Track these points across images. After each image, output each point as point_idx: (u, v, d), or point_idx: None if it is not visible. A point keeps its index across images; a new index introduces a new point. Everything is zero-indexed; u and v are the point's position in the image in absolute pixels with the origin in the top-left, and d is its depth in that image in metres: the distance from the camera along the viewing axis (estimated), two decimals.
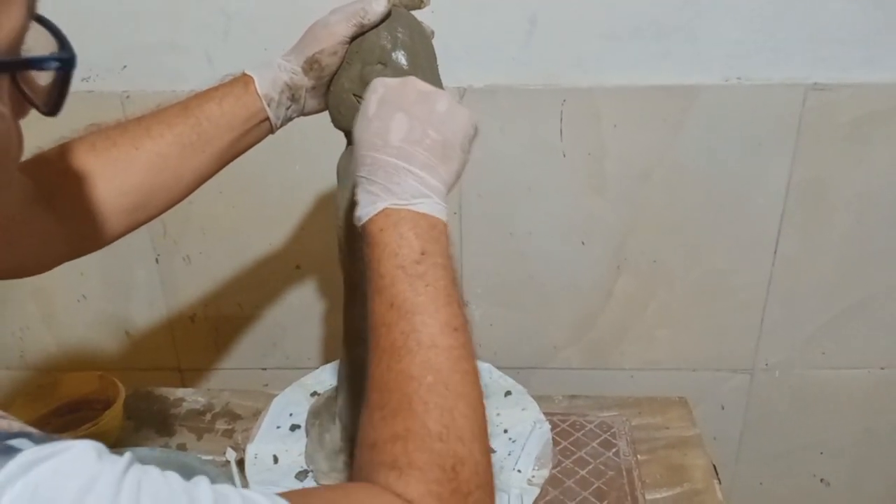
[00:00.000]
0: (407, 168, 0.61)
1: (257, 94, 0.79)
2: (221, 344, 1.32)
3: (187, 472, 0.88)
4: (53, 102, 0.45)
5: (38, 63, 0.44)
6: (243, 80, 0.80)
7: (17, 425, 0.39)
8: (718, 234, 1.20)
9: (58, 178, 0.73)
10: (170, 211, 1.19)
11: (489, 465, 0.57)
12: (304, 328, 1.31)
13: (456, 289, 0.60)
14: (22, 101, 0.44)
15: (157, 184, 0.77)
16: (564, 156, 1.16)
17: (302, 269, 1.26)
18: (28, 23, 0.42)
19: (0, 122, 0.42)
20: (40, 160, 0.73)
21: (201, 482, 0.43)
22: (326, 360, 1.27)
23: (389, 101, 0.65)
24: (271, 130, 0.82)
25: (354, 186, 0.64)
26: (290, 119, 0.83)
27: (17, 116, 0.44)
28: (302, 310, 1.29)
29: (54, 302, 1.31)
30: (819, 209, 1.18)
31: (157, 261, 1.26)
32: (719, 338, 1.28)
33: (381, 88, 0.66)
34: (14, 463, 0.36)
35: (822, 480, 1.40)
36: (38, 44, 0.44)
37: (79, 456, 0.38)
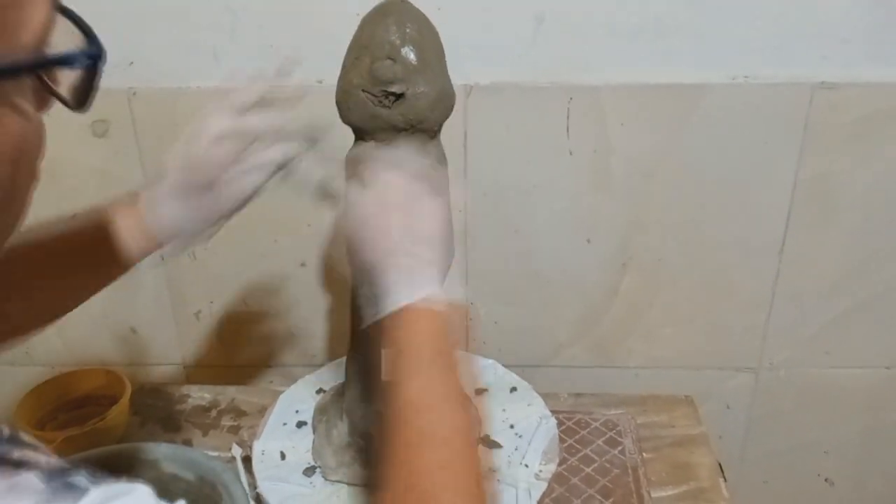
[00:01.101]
0: (418, 267, 0.64)
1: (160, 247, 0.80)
2: (227, 341, 1.33)
3: (195, 469, 0.89)
4: (82, 98, 0.45)
5: (66, 61, 0.43)
6: (149, 243, 0.79)
7: (54, 459, 0.39)
8: (724, 232, 1.20)
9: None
10: None
11: None
12: (310, 325, 1.31)
13: (462, 387, 0.62)
14: (46, 96, 0.44)
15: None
16: (570, 153, 1.16)
17: (308, 266, 1.26)
18: (54, 16, 0.41)
19: (24, 121, 0.41)
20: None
21: None
22: (332, 357, 1.27)
23: (383, 201, 0.67)
24: None
25: (359, 284, 0.66)
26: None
27: (40, 110, 0.44)
28: (307, 307, 1.29)
29: None
30: (825, 208, 1.18)
31: (162, 258, 1.26)
32: (724, 336, 1.28)
33: (371, 194, 0.68)
34: (93, 496, 0.37)
35: (826, 479, 1.39)
36: (63, 37, 0.43)
37: (142, 498, 0.39)
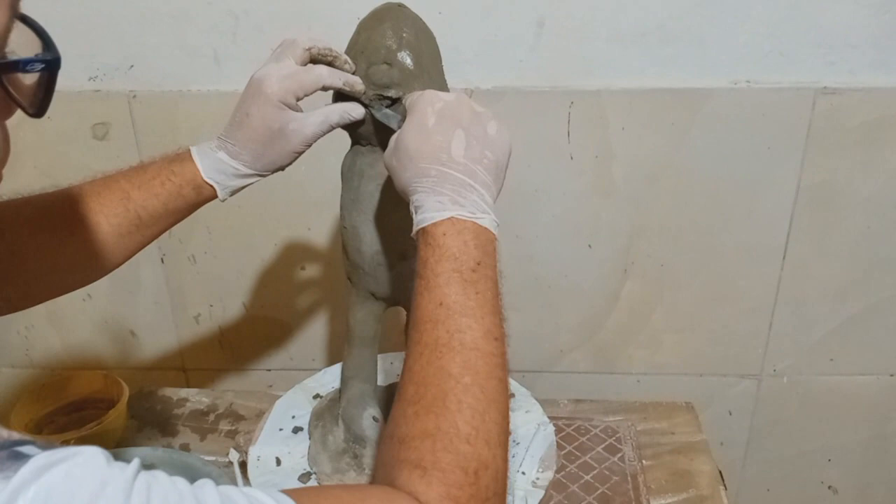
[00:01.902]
0: (472, 184, 0.64)
1: (211, 196, 0.80)
2: (226, 344, 1.32)
3: (190, 473, 0.88)
4: (39, 103, 0.45)
5: (23, 65, 0.43)
6: (194, 182, 0.79)
7: (16, 434, 0.39)
8: (726, 238, 1.19)
9: (62, 211, 0.76)
10: None
11: (507, 473, 0.57)
12: (309, 329, 1.30)
13: (500, 302, 0.63)
14: (7, 102, 0.44)
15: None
16: (572, 158, 1.15)
17: (306, 270, 1.26)
18: (11, 24, 0.42)
19: None
20: (45, 196, 0.77)
21: (207, 485, 0.43)
22: (330, 362, 1.27)
23: (447, 117, 0.66)
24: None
25: (407, 191, 0.66)
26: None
27: (2, 118, 0.44)
28: (306, 311, 1.29)
29: (60, 301, 1.29)
30: (828, 214, 1.17)
31: (162, 261, 1.26)
32: (727, 343, 1.27)
33: (439, 103, 0.67)
34: (27, 468, 0.36)
35: (829, 487, 1.39)
36: (22, 44, 0.44)
37: (89, 460, 0.39)
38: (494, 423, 0.57)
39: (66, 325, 1.33)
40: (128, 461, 0.41)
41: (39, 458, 0.37)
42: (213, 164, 0.78)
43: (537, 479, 0.95)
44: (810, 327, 1.25)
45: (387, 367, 1.07)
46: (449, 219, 0.63)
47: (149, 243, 0.82)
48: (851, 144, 1.13)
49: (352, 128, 0.81)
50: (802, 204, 1.16)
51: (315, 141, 0.79)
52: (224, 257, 1.25)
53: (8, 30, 0.41)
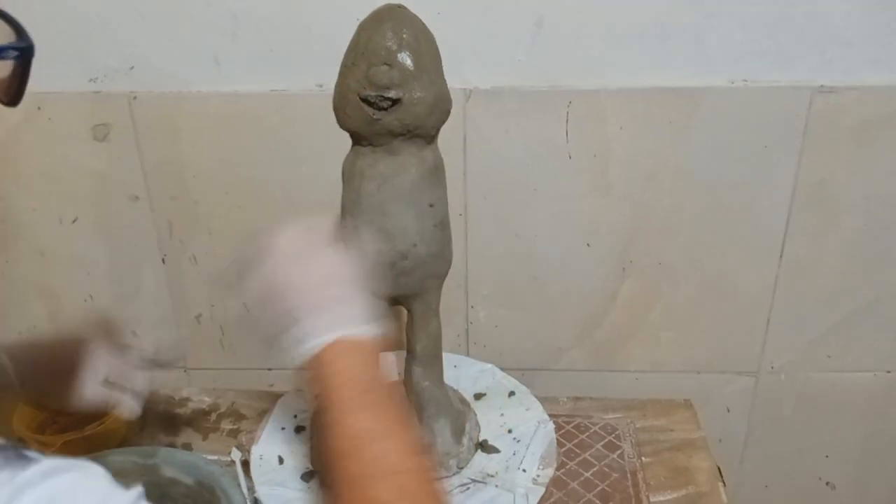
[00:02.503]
0: (332, 306, 0.63)
1: None
2: (227, 344, 1.33)
3: (193, 472, 0.89)
4: (14, 93, 0.45)
5: None
6: None
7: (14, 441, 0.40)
8: (724, 236, 1.20)
9: None
10: (177, 212, 1.22)
11: None
12: None
13: (404, 414, 0.61)
14: None
15: None
16: (570, 157, 1.16)
17: None
18: None
19: None
20: None
21: None
22: None
23: (282, 255, 0.66)
24: None
25: (278, 336, 0.65)
26: None
27: None
28: None
29: (61, 302, 1.31)
30: (825, 212, 1.18)
31: (163, 261, 1.27)
32: (725, 340, 1.28)
33: (278, 246, 0.67)
34: (36, 468, 0.37)
35: (827, 483, 1.39)
36: None
37: (95, 475, 0.40)
38: None
39: (68, 326, 1.32)
40: (128, 483, 0.41)
41: (49, 462, 0.38)
42: None
43: (538, 476, 0.96)
44: (808, 325, 1.26)
45: (388, 365, 1.07)
46: (327, 346, 0.61)
47: None
48: (848, 143, 1.13)
49: (350, 125, 0.82)
50: (799, 202, 1.17)
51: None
52: (225, 257, 1.26)
53: None
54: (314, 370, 0.62)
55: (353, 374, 0.60)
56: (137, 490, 0.41)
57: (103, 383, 0.83)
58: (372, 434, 0.58)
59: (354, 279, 0.66)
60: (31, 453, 0.38)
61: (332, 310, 0.63)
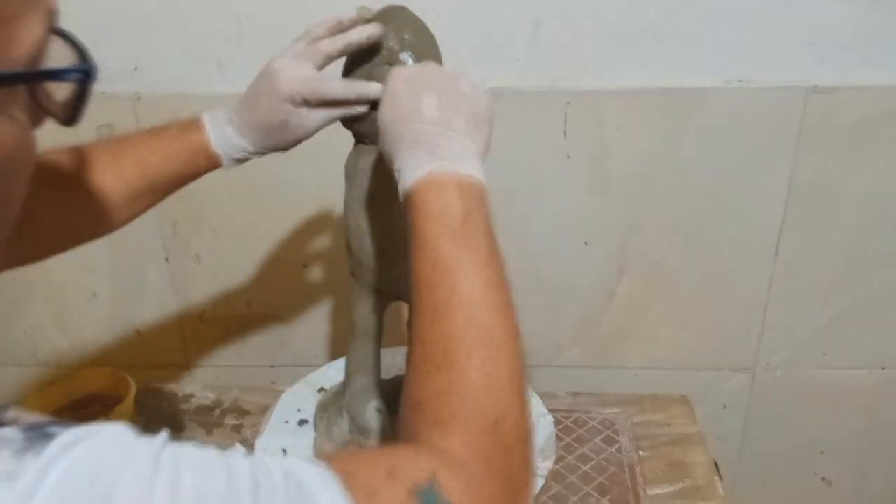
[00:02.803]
0: (447, 133, 0.64)
1: (220, 164, 0.83)
2: (230, 342, 1.34)
3: None
4: (72, 113, 0.47)
5: (58, 74, 0.45)
6: (206, 153, 0.82)
7: (46, 418, 0.40)
8: (720, 235, 1.21)
9: (79, 171, 0.78)
10: (180, 211, 1.23)
11: (529, 418, 0.57)
12: (312, 326, 1.32)
13: (497, 249, 0.62)
14: (39, 112, 0.46)
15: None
16: (568, 157, 1.17)
17: (309, 267, 1.28)
18: (48, 36, 0.43)
19: (19, 131, 0.43)
20: (60, 155, 0.78)
21: (236, 453, 0.43)
22: (333, 358, 1.28)
23: (415, 83, 0.67)
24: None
25: (391, 161, 0.66)
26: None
27: (33, 125, 0.45)
28: (309, 308, 1.31)
29: (66, 301, 1.33)
30: (820, 211, 1.19)
31: (167, 260, 1.28)
32: (721, 337, 1.29)
33: (406, 72, 0.69)
34: (56, 443, 0.37)
35: (823, 479, 1.41)
36: (58, 56, 0.45)
37: (116, 434, 0.40)
38: (507, 371, 0.56)
39: (73, 324, 1.34)
40: None
41: (68, 435, 0.38)
42: (221, 135, 0.81)
43: (537, 468, 0.97)
44: (803, 322, 1.27)
45: (389, 362, 1.09)
46: (428, 176, 0.62)
47: (156, 204, 0.85)
48: (843, 142, 1.15)
49: (353, 123, 0.83)
50: (795, 201, 1.18)
51: (316, 132, 0.81)
52: (228, 256, 1.27)
53: (44, 42, 0.43)
54: (408, 204, 0.62)
55: (442, 208, 0.60)
56: (162, 437, 0.41)
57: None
58: (452, 265, 0.58)
59: (476, 118, 0.67)
60: (54, 428, 0.38)
61: (438, 142, 0.63)
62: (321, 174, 1.18)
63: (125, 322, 1.34)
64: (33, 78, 0.44)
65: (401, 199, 0.64)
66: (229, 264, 1.28)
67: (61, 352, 1.36)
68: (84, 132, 1.19)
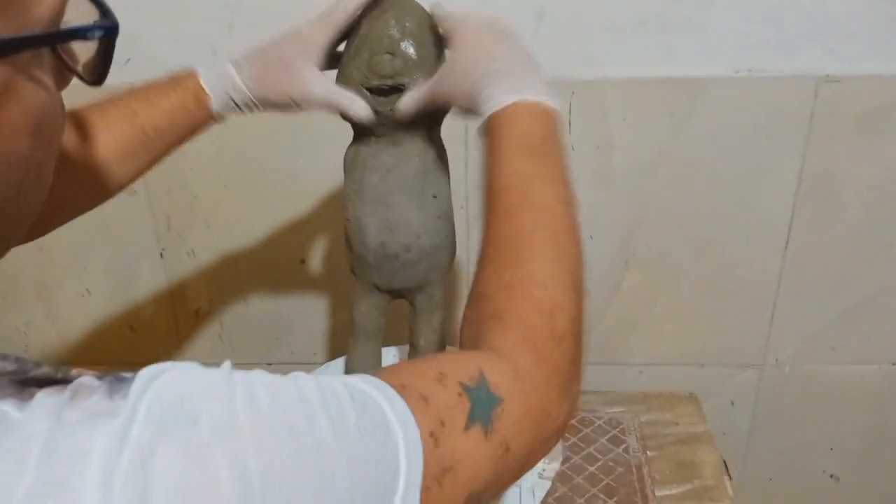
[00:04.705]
0: (529, 71, 0.70)
1: (211, 110, 0.81)
2: (226, 338, 1.32)
3: None
4: (99, 71, 0.46)
5: (82, 33, 0.43)
6: (196, 94, 0.80)
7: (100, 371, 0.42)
8: (728, 228, 1.19)
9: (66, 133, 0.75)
10: (175, 205, 1.21)
11: (584, 318, 0.60)
12: (309, 323, 1.30)
13: (568, 170, 0.67)
14: (64, 72, 0.45)
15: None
16: (573, 149, 1.14)
17: (307, 263, 1.25)
18: None
19: (45, 94, 0.42)
20: None
21: (300, 375, 0.44)
22: (332, 355, 1.26)
23: (483, 34, 0.73)
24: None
25: (475, 94, 0.69)
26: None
27: (59, 87, 0.44)
28: (307, 304, 1.29)
29: (58, 297, 1.30)
30: (830, 203, 1.17)
31: (161, 255, 1.26)
32: (728, 333, 1.27)
33: (471, 25, 0.74)
34: (139, 381, 0.39)
35: (831, 476, 1.39)
36: (78, 14, 0.44)
37: (185, 366, 0.41)
38: (567, 272, 0.59)
39: (65, 321, 1.32)
40: None
41: (145, 373, 0.39)
42: (214, 75, 0.81)
43: (543, 470, 0.95)
44: (812, 317, 1.25)
45: (390, 361, 1.07)
46: (513, 104, 0.66)
47: (153, 164, 0.82)
48: (853, 132, 1.12)
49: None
50: (804, 193, 1.16)
51: (310, 107, 0.79)
52: (223, 251, 1.25)
53: (64, 1, 0.42)
54: (492, 124, 0.67)
55: (525, 129, 0.66)
56: (226, 364, 0.42)
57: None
58: (528, 175, 0.63)
59: (529, 58, 0.72)
60: (124, 373, 0.40)
61: (523, 80, 0.68)
62: (320, 167, 1.15)
63: (118, 319, 1.31)
64: (57, 38, 0.43)
65: (479, 129, 0.69)
66: (225, 259, 1.25)
67: (53, 349, 1.33)
68: None
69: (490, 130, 0.67)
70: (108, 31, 0.44)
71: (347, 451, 0.41)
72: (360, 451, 0.41)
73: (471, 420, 0.48)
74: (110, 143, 0.77)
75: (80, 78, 0.46)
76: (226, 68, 0.81)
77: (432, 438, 0.45)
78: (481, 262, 0.62)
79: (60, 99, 0.45)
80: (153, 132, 0.79)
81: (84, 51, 0.45)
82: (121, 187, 0.81)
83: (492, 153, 0.66)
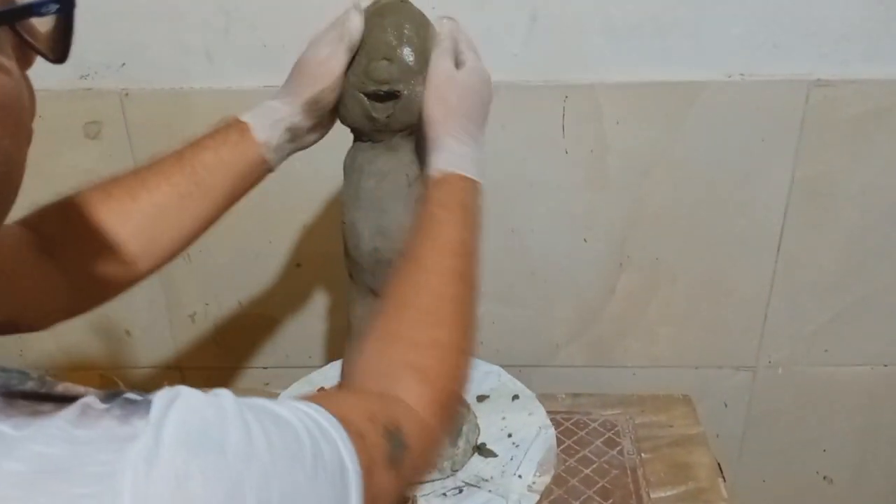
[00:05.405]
0: (468, 143, 0.77)
1: (255, 141, 0.78)
2: (222, 343, 1.32)
3: None
4: (60, 48, 0.45)
5: (36, 8, 0.42)
6: (238, 127, 0.79)
7: (91, 389, 0.41)
8: (721, 230, 1.19)
9: (59, 229, 0.73)
10: None
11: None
12: (305, 327, 1.30)
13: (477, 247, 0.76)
14: (27, 51, 0.44)
15: (157, 234, 0.76)
16: (566, 152, 1.15)
17: (303, 267, 1.25)
18: None
19: (7, 77, 0.41)
20: (41, 213, 0.74)
21: (284, 403, 0.48)
22: (328, 359, 1.26)
23: (459, 85, 0.77)
24: (270, 171, 0.83)
25: (422, 143, 0.76)
26: (288, 156, 0.84)
27: (23, 68, 0.44)
28: (303, 308, 1.29)
29: None
30: (822, 206, 1.17)
31: None
32: (722, 335, 1.27)
33: (449, 73, 0.78)
34: (156, 405, 0.39)
35: (825, 477, 1.39)
36: None
37: (192, 392, 0.42)
38: (474, 341, 0.69)
39: (61, 326, 1.30)
40: None
41: (162, 396, 0.40)
42: (257, 109, 0.80)
43: (533, 482, 0.94)
44: (805, 318, 1.26)
45: None
46: (449, 173, 0.74)
47: (209, 219, 0.82)
48: (845, 136, 1.13)
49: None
50: (796, 196, 1.17)
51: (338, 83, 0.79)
52: (219, 255, 1.24)
53: None
54: (431, 184, 0.75)
55: (458, 198, 0.75)
56: (226, 392, 0.44)
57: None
58: (449, 225, 0.73)
59: (485, 120, 0.81)
60: (129, 394, 0.40)
61: (464, 146, 0.76)
62: (317, 171, 1.15)
63: (114, 323, 1.31)
64: (11, 16, 0.42)
65: (433, 167, 0.75)
66: (220, 263, 1.25)
67: (49, 354, 1.33)
68: (72, 129, 1.17)
69: (428, 190, 0.75)
70: (63, 5, 0.43)
71: (327, 481, 0.45)
72: (332, 483, 0.46)
73: (389, 461, 0.53)
74: (165, 189, 0.76)
75: (44, 56, 0.45)
76: (268, 103, 0.80)
77: (366, 472, 0.48)
78: (398, 302, 0.67)
79: (27, 80, 0.44)
80: (202, 169, 0.77)
81: (45, 25, 0.44)
82: (153, 267, 0.79)
83: (425, 216, 0.73)
